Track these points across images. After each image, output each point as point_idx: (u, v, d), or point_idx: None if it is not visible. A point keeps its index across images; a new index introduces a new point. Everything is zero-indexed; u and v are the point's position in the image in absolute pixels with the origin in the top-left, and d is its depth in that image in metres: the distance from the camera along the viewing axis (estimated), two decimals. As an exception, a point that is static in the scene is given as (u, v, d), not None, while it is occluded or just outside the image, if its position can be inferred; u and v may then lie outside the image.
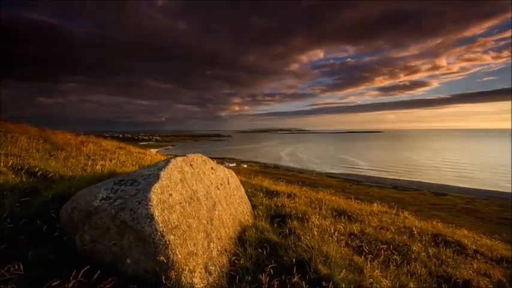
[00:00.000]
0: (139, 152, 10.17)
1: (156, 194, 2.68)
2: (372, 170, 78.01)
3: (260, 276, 2.60)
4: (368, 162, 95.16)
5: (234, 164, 78.37)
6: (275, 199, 6.08)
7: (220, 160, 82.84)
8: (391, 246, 4.30)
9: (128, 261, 2.34)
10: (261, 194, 6.47)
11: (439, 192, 48.00)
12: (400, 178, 64.50)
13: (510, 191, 50.89)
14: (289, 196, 6.63)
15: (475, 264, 4.37)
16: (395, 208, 7.89)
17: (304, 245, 3.42)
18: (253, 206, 5.41)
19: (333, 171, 75.32)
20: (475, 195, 45.59)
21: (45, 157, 5.86)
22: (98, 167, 5.55)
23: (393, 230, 5.30)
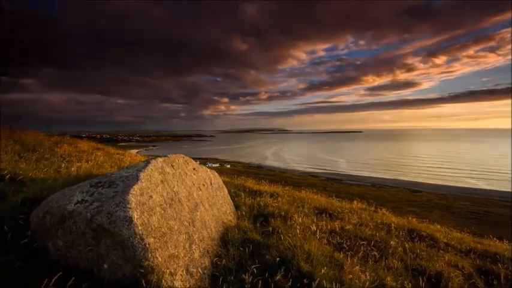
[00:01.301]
0: (118, 153, 9.81)
1: (135, 196, 2.60)
2: (353, 169, 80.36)
3: (243, 276, 2.60)
4: (348, 161, 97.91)
5: (217, 165, 77.69)
6: (258, 199, 6.11)
7: (203, 160, 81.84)
8: (370, 242, 4.45)
9: (105, 266, 2.26)
10: (244, 194, 6.47)
11: (415, 189, 50.32)
12: (379, 176, 66.94)
13: (477, 187, 54.44)
14: (272, 196, 6.68)
15: (446, 257, 4.62)
16: (374, 205, 8.17)
17: (286, 244, 3.47)
18: (237, 206, 5.40)
19: (315, 171, 76.77)
20: (447, 192, 48.26)
21: (15, 159, 5.50)
22: (73, 168, 5.30)
23: (372, 227, 5.49)
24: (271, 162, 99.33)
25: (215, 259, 3.13)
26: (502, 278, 4.19)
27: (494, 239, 7.28)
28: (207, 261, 3.00)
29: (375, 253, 4.10)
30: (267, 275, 2.71)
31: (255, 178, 10.59)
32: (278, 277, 2.68)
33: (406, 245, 4.76)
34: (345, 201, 8.32)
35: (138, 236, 2.28)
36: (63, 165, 5.53)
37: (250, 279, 2.50)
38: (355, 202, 8.10)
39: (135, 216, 2.38)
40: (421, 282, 3.34)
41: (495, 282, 4.06)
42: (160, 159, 3.69)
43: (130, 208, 2.43)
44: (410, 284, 3.28)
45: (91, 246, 2.31)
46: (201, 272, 2.74)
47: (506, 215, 32.16)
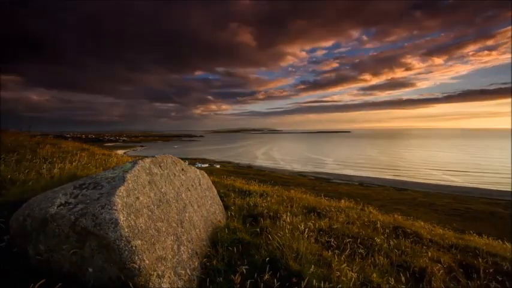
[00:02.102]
0: (104, 154, 9.57)
1: (121, 197, 2.55)
2: (341, 168, 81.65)
3: (232, 276, 2.59)
4: (337, 161, 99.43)
5: (206, 165, 77.12)
6: (248, 199, 6.11)
7: (193, 161, 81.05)
8: (357, 240, 4.55)
9: (90, 270, 2.20)
10: (234, 194, 6.46)
11: (401, 187, 51.70)
12: (366, 175, 68.35)
13: (459, 184, 56.49)
14: (261, 195, 6.70)
15: (429, 253, 4.77)
16: (361, 204, 8.35)
17: (275, 243, 3.49)
18: (226, 207, 5.38)
19: (304, 170, 77.50)
20: (431, 190, 49.82)
21: (-7, 160, 5.27)
22: (56, 170, 5.12)
23: (359, 225, 5.61)
24: (261, 162, 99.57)
25: (204, 260, 3.11)
26: (481, 271, 4.37)
27: (475, 234, 7.59)
28: (196, 263, 2.98)
29: (362, 250, 4.19)
30: (255, 275, 2.72)
31: (245, 178, 10.60)
32: (267, 277, 2.69)
33: (392, 242, 4.88)
34: (333, 200, 8.45)
35: (124, 239, 2.24)
36: (45, 167, 5.34)
37: (239, 280, 2.50)
38: (343, 201, 8.24)
39: (121, 218, 2.33)
40: (405, 278, 3.44)
41: (475, 276, 4.23)
42: (147, 160, 3.64)
43: (116, 210, 2.38)
44: (395, 280, 3.37)
45: (75, 249, 2.24)
46: (189, 273, 2.71)
47: (486, 211, 33.58)
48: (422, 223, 7.51)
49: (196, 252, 3.14)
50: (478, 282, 4.04)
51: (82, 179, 3.15)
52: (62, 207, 2.46)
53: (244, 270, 2.65)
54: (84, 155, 8.00)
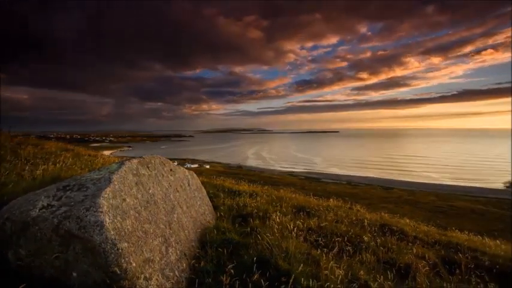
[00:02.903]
0: (89, 155, 9.32)
1: (107, 199, 2.49)
2: (330, 167, 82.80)
3: (221, 277, 2.58)
4: (326, 160, 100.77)
5: (196, 165, 76.45)
6: (237, 199, 6.10)
7: (182, 161, 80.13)
8: (345, 238, 4.62)
9: (74, 274, 2.14)
10: (223, 195, 6.44)
11: (387, 186, 52.93)
12: (354, 174, 69.59)
13: (443, 183, 58.45)
14: (251, 195, 6.71)
15: (414, 249, 4.91)
16: (349, 202, 8.50)
17: (265, 243, 3.50)
18: (215, 207, 5.36)
19: (293, 170, 78.09)
20: (416, 188, 51.27)
21: (-30, 162, 5.04)
22: (39, 171, 4.95)
23: (347, 223, 5.70)
24: (251, 162, 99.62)
25: (193, 261, 3.08)
26: (462, 266, 4.54)
27: (457, 230, 7.87)
28: (184, 264, 2.95)
29: (350, 248, 4.26)
30: (245, 275, 2.72)
31: (234, 178, 10.57)
32: (256, 277, 2.70)
33: (379, 240, 5.00)
34: (322, 200, 8.56)
35: (110, 241, 2.19)
36: (27, 168, 5.15)
37: (228, 281, 2.49)
38: (331, 200, 8.36)
39: (107, 220, 2.28)
40: (391, 275, 3.53)
41: (457, 271, 4.39)
42: (135, 161, 3.57)
43: (101, 212, 2.32)
44: (381, 277, 3.44)
45: (58, 253, 2.17)
46: (178, 275, 2.68)
47: (467, 208, 34.88)
48: (407, 220, 7.72)
49: (185, 254, 3.11)
50: (460, 276, 4.20)
51: (66, 180, 3.06)
52: (44, 210, 2.38)
53: (233, 271, 2.65)
54: (69, 155, 7.76)
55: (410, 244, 5.31)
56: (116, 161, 7.04)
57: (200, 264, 3.01)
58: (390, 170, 74.92)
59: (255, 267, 2.88)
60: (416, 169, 76.67)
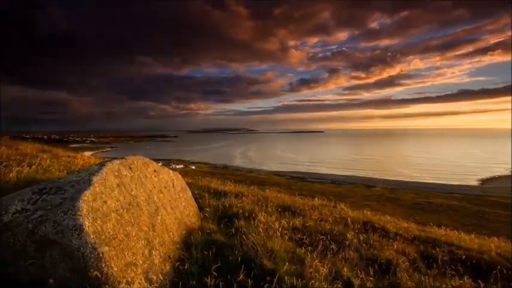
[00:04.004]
0: (69, 156, 8.96)
1: (86, 202, 2.41)
2: (315, 167, 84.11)
3: (205, 279, 2.57)
4: (311, 160, 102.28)
5: (181, 166, 75.26)
6: (223, 199, 6.07)
7: (167, 162, 78.65)
8: (329, 236, 4.72)
9: (51, 281, 2.05)
10: (209, 195, 6.39)
11: (370, 184, 54.43)
12: (338, 173, 71.07)
13: (421, 180, 60.98)
14: (236, 196, 6.70)
15: (395, 245, 5.09)
16: (334, 201, 8.66)
17: (250, 243, 3.51)
18: (201, 208, 5.31)
19: (280, 170, 78.67)
20: (397, 186, 53.10)
21: None
22: (12, 174, 4.69)
23: (331, 221, 5.82)
24: (237, 162, 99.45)
25: (177, 264, 3.04)
26: (439, 260, 4.76)
27: (434, 226, 8.22)
28: (168, 267, 2.90)
29: (334, 246, 4.35)
30: (229, 276, 2.71)
31: (221, 179, 10.51)
32: (241, 277, 2.70)
33: (361, 237, 5.13)
34: (307, 199, 8.68)
35: (90, 245, 2.12)
36: (-1, 171, 4.88)
37: (212, 282, 2.48)
38: (316, 199, 8.49)
39: (87, 224, 2.21)
40: (373, 270, 3.65)
41: (435, 265, 4.59)
42: (117, 162, 3.47)
43: (80, 215, 2.24)
44: (364, 273, 3.55)
45: (33, 259, 2.08)
46: (161, 278, 2.64)
47: (444, 205, 36.56)
48: (389, 217, 7.98)
49: (169, 256, 3.06)
50: (437, 270, 4.39)
51: (42, 183, 2.93)
52: (17, 214, 2.27)
53: (218, 272, 2.64)
54: (46, 157, 7.42)
55: (391, 240, 5.49)
56: (97, 162, 6.81)
57: (185, 266, 2.97)
58: (373, 169, 77.16)
59: (240, 267, 2.88)
60: (398, 167, 79.45)
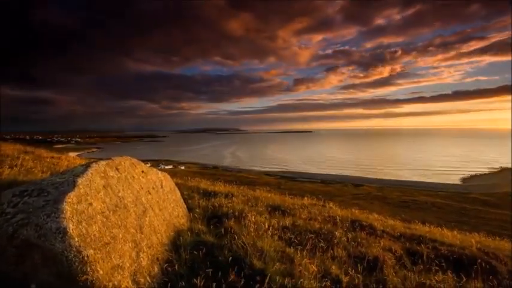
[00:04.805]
0: (53, 157, 8.67)
1: (70, 204, 2.34)
2: (305, 167, 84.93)
3: (195, 280, 2.54)
4: (301, 160, 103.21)
5: (170, 166, 74.35)
6: (212, 200, 6.04)
7: (156, 162, 77.44)
8: (318, 235, 4.77)
9: (33, 286, 1.98)
10: (198, 196, 6.33)
11: (358, 183, 55.46)
12: (328, 173, 72.06)
13: (407, 179, 62.68)
14: (226, 196, 6.67)
15: (382, 242, 5.20)
16: (323, 200, 8.77)
17: (240, 243, 3.50)
18: (190, 209, 5.26)
19: (270, 170, 78.96)
20: (384, 184, 54.34)
21: None
22: (-8, 176, 4.51)
23: (320, 220, 5.88)
24: (227, 162, 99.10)
25: (166, 265, 3.00)
26: (424, 256, 4.90)
27: (419, 223, 8.47)
28: (156, 269, 2.86)
29: (322, 244, 4.40)
30: (219, 276, 2.70)
31: (210, 179, 10.45)
32: (231, 277, 2.70)
33: (349, 235, 5.21)
34: (297, 198, 8.74)
35: (74, 249, 2.06)
36: (-23, 173, 4.67)
37: (202, 283, 2.46)
38: (306, 198, 8.56)
39: (71, 226, 2.14)
40: (361, 268, 3.72)
41: (419, 261, 4.73)
42: (103, 162, 3.39)
43: (64, 218, 2.17)
44: (352, 270, 3.61)
45: (13, 264, 2.00)
46: (149, 280, 2.59)
47: (428, 202, 37.71)
48: (376, 215, 8.15)
49: (158, 258, 3.02)
50: (422, 266, 4.52)
51: (24, 185, 2.83)
52: (-3, 218, 2.18)
53: (207, 273, 2.62)
54: (28, 158, 7.16)
55: (378, 238, 5.60)
56: (82, 163, 6.61)
57: (173, 268, 2.93)
58: (361, 169, 78.63)
59: (230, 267, 2.87)
60: (385, 167, 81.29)
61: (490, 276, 4.32)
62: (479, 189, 49.80)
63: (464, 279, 3.87)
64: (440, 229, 7.84)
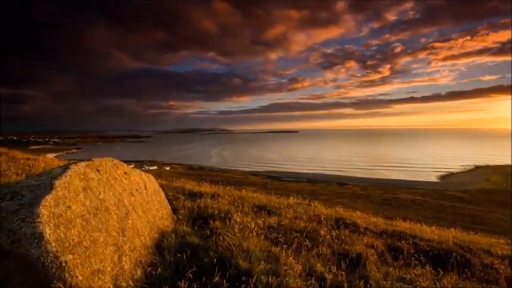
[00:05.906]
0: (28, 158, 8.25)
1: (47, 207, 2.24)
2: (291, 166, 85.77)
3: (179, 283, 2.51)
4: (287, 159, 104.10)
5: (155, 167, 72.77)
6: (198, 201, 5.97)
7: (139, 163, 75.56)
8: (304, 234, 4.83)
9: (6, 295, 1.89)
10: (183, 197, 6.25)
11: (343, 182, 56.69)
12: (313, 172, 73.15)
13: (389, 177, 64.80)
14: (212, 197, 6.62)
15: (365, 239, 5.34)
16: (308, 199, 8.88)
17: (225, 244, 3.49)
18: (175, 210, 5.18)
19: (256, 170, 79.09)
20: (367, 183, 55.85)
21: None
22: (-40, 179, 4.24)
23: (305, 219, 5.96)
24: (213, 162, 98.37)
25: (149, 269, 2.94)
26: (405, 252, 5.08)
27: (401, 220, 8.77)
28: (139, 272, 2.79)
29: (308, 243, 4.47)
30: (204, 278, 2.68)
31: (196, 179, 10.33)
32: (216, 279, 2.68)
33: (334, 233, 5.32)
34: (283, 198, 8.80)
35: (51, 254, 1.98)
36: None
37: (186, 285, 2.43)
38: (291, 198, 8.65)
39: (47, 231, 2.05)
40: (344, 265, 3.80)
41: (401, 257, 4.90)
42: (82, 164, 3.27)
43: (40, 222, 2.08)
44: (336, 267, 3.68)
45: (-16, 273, 1.90)
46: (132, 284, 2.53)
47: (409, 200, 39.18)
48: (359, 213, 8.35)
49: (141, 261, 2.95)
50: (402, 261, 4.69)
51: (-5, 189, 2.67)
52: (-35, 224, 2.05)
53: (192, 275, 2.59)
54: (1, 160, 6.79)
55: (361, 235, 5.75)
56: (61, 164, 6.34)
57: (157, 271, 2.88)
58: (346, 168, 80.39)
59: (215, 269, 2.85)
60: (369, 166, 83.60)
61: (465, 269, 4.55)
62: (455, 186, 52.30)
63: (442, 273, 4.05)
64: (420, 225, 8.16)
